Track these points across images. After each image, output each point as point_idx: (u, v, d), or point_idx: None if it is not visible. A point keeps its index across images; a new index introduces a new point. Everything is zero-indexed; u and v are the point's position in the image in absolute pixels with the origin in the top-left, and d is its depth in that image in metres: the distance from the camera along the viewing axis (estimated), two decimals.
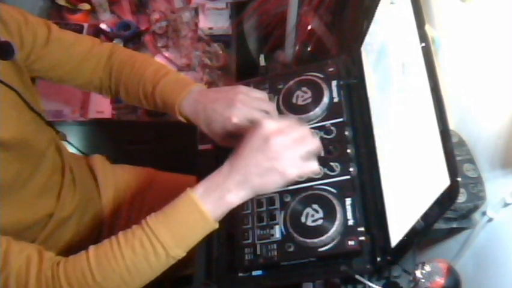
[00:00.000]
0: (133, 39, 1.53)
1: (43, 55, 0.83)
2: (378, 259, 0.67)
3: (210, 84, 1.42)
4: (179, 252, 0.66)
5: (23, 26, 0.79)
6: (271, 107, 0.80)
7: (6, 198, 0.71)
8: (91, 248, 0.66)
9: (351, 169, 0.74)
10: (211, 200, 0.65)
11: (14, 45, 0.73)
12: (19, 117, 0.75)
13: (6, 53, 0.72)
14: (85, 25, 1.54)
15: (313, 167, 0.66)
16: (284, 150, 0.63)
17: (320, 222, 0.70)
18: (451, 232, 0.72)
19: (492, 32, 0.62)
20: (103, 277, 0.64)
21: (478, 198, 0.65)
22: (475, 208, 0.66)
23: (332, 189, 0.72)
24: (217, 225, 0.66)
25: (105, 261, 0.64)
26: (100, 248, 0.66)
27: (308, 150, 0.66)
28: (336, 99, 0.80)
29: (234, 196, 0.65)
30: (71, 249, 0.90)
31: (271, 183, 0.65)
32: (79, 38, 0.89)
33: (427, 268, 0.63)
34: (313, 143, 0.66)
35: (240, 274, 0.75)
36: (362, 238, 0.68)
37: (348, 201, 0.71)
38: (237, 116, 0.75)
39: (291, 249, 0.71)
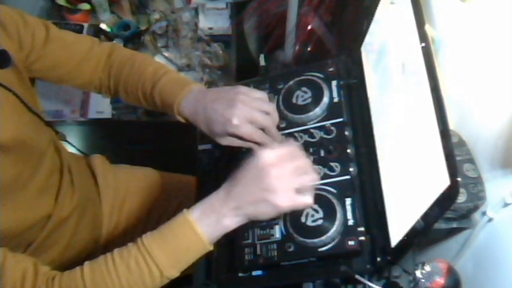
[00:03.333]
0: (133, 39, 1.53)
1: (42, 55, 0.83)
2: (378, 259, 0.67)
3: (210, 84, 1.42)
4: (174, 273, 0.66)
5: (21, 26, 0.79)
6: (272, 107, 0.80)
7: (5, 199, 0.71)
8: (86, 264, 0.66)
9: (351, 169, 0.74)
10: (207, 223, 0.66)
11: (10, 53, 0.73)
12: (18, 118, 0.74)
13: (2, 62, 0.73)
14: (85, 25, 1.54)
15: (306, 200, 0.66)
16: (278, 183, 0.64)
17: (319, 222, 0.70)
18: (451, 232, 0.73)
19: (492, 32, 0.62)
20: None
21: (478, 198, 0.65)
22: (475, 208, 0.66)
23: (332, 189, 0.72)
24: (211, 248, 0.67)
25: (99, 279, 0.64)
26: (94, 265, 0.66)
27: (302, 184, 0.66)
28: (336, 99, 0.80)
29: (229, 221, 0.66)
30: (70, 249, 0.90)
31: (263, 213, 0.66)
32: (78, 38, 0.89)
33: (427, 268, 0.63)
34: (310, 177, 0.67)
35: (240, 274, 0.75)
36: (362, 238, 0.68)
37: (348, 201, 0.71)
38: (238, 116, 0.75)
39: (291, 249, 0.71)
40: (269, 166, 0.65)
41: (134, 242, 0.67)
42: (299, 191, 0.65)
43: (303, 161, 0.67)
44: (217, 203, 0.66)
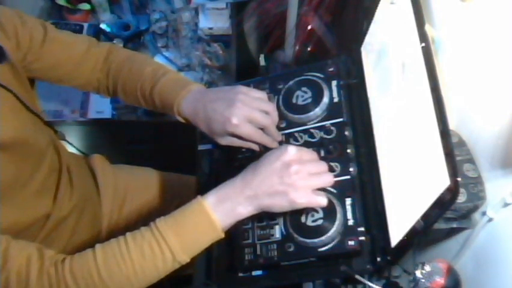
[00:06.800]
0: (133, 39, 1.53)
1: (40, 56, 0.83)
2: (378, 259, 0.67)
3: (210, 84, 1.42)
4: (185, 258, 0.67)
5: (19, 27, 0.79)
6: (271, 106, 0.80)
7: (5, 199, 0.71)
8: (98, 247, 0.66)
9: (351, 169, 0.74)
10: (221, 210, 0.67)
11: (5, 48, 0.73)
12: (17, 118, 0.75)
13: None
14: (85, 25, 1.54)
15: (321, 201, 0.68)
16: (300, 180, 0.66)
17: (319, 222, 0.70)
18: (451, 232, 0.72)
19: (492, 32, 0.62)
20: (109, 276, 0.64)
21: (478, 198, 0.65)
22: (475, 208, 0.66)
23: (332, 189, 0.72)
24: (223, 235, 0.68)
25: (112, 261, 0.65)
26: (107, 247, 0.66)
27: (320, 184, 0.69)
28: (336, 99, 0.80)
29: (243, 209, 0.67)
30: (70, 249, 0.90)
31: (278, 206, 0.67)
32: (76, 39, 0.89)
33: (427, 268, 0.63)
34: (328, 180, 0.70)
35: (240, 274, 0.75)
36: (362, 238, 0.68)
37: (348, 201, 0.71)
38: (237, 116, 0.75)
39: (291, 249, 0.71)
40: (294, 162, 0.67)
41: (148, 226, 0.67)
42: (314, 191, 0.68)
43: (322, 164, 0.71)
44: (234, 190, 0.67)
